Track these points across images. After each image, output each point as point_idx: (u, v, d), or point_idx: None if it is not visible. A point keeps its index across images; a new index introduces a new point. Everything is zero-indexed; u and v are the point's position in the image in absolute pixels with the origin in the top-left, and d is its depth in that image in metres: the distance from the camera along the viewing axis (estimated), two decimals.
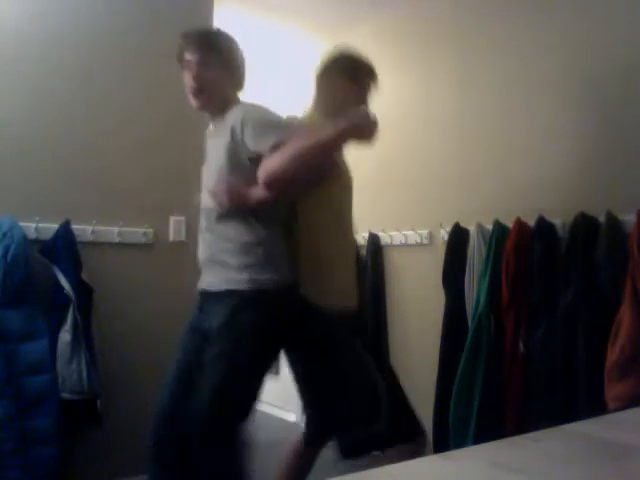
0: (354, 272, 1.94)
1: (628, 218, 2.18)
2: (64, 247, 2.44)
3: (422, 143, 3.25)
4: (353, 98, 2.04)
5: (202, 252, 1.86)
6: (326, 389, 1.91)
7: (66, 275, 2.38)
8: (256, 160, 1.72)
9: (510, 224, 2.54)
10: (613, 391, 2.01)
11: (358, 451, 1.95)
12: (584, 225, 2.28)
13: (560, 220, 2.42)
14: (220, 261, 1.77)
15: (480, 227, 2.72)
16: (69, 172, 2.58)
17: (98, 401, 2.41)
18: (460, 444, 2.47)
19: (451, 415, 2.57)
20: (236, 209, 1.75)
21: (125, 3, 2.76)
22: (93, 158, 2.64)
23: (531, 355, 2.37)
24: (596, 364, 2.09)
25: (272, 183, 1.67)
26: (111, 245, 2.66)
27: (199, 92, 1.89)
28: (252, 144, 1.73)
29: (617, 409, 1.84)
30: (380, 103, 3.39)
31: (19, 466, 2.16)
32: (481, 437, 2.37)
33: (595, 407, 2.01)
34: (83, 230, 2.56)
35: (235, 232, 1.76)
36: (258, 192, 1.72)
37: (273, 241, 1.78)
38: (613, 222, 2.21)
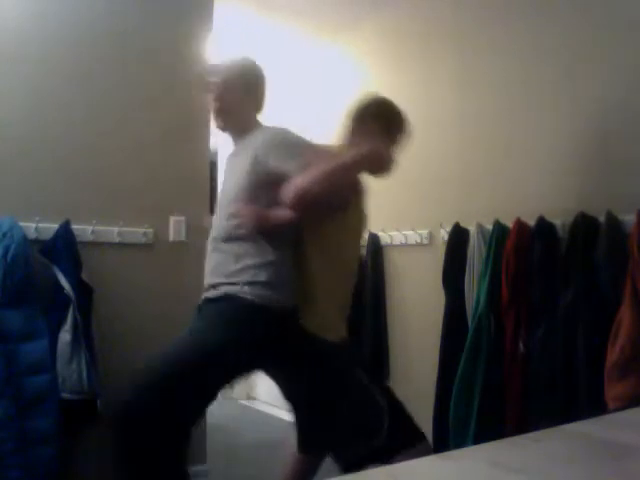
0: (343, 307, 1.92)
1: (628, 218, 2.17)
2: (64, 247, 2.44)
3: (422, 143, 3.24)
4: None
5: (209, 270, 1.87)
6: (318, 410, 1.89)
7: (66, 275, 2.38)
8: (277, 183, 1.73)
9: (510, 224, 2.54)
10: (613, 391, 2.01)
11: (359, 465, 1.95)
12: (584, 225, 2.28)
13: (560, 220, 2.42)
14: (226, 279, 1.78)
15: (480, 227, 2.71)
16: (69, 172, 2.58)
17: (98, 401, 2.41)
18: (460, 444, 2.47)
19: (451, 415, 2.57)
20: (254, 230, 1.76)
21: (125, 3, 2.76)
22: (93, 158, 2.64)
23: (531, 355, 2.37)
24: (596, 364, 2.08)
25: (299, 200, 1.68)
26: (111, 245, 2.66)
27: (221, 113, 1.93)
28: (277, 165, 1.74)
29: (617, 409, 1.84)
30: None
31: (19, 466, 2.16)
32: (481, 437, 2.37)
33: (595, 407, 2.01)
34: (83, 230, 2.56)
35: (245, 253, 1.78)
36: (281, 213, 1.74)
37: (282, 263, 1.79)
38: (613, 222, 2.21)
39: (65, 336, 2.34)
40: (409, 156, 3.33)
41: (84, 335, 2.38)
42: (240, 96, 1.92)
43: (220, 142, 4.06)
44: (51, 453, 2.22)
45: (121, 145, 2.71)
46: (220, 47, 3.39)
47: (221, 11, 3.19)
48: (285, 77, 4.21)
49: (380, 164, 1.80)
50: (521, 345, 2.41)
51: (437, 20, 3.21)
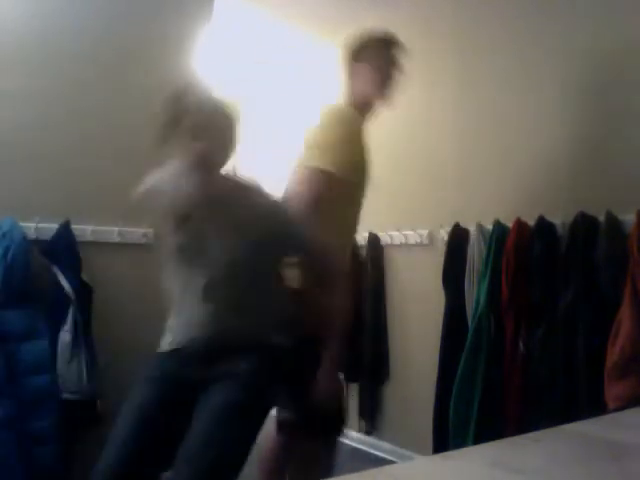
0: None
1: (628, 218, 2.17)
2: (64, 247, 2.44)
3: (422, 143, 3.25)
4: (369, 81, 2.02)
5: None
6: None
7: (66, 275, 2.38)
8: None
9: (510, 224, 2.54)
10: (613, 391, 2.01)
11: None
12: (584, 225, 2.28)
13: (560, 220, 2.42)
14: None
15: (480, 227, 2.71)
16: (69, 172, 2.58)
17: (98, 401, 2.41)
18: (460, 444, 2.47)
19: (451, 415, 2.57)
20: None
21: (126, 3, 2.75)
22: (93, 158, 2.64)
23: (531, 355, 2.37)
24: (596, 364, 2.08)
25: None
26: (111, 245, 2.66)
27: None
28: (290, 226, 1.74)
29: (617, 409, 1.84)
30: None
31: (19, 466, 2.16)
32: (481, 437, 2.37)
33: (595, 407, 2.01)
34: (83, 230, 2.56)
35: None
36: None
37: None
38: (613, 222, 2.21)
39: (65, 336, 2.34)
40: (409, 156, 3.35)
41: (84, 335, 2.38)
42: (227, 143, 1.71)
43: None
44: (51, 453, 2.22)
45: (121, 145, 2.71)
46: (219, 45, 3.39)
47: (221, 8, 3.19)
48: (284, 76, 4.21)
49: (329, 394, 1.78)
50: (521, 345, 2.40)
51: (437, 19, 3.21)
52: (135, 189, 1.74)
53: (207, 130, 1.62)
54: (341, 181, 1.84)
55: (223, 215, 1.67)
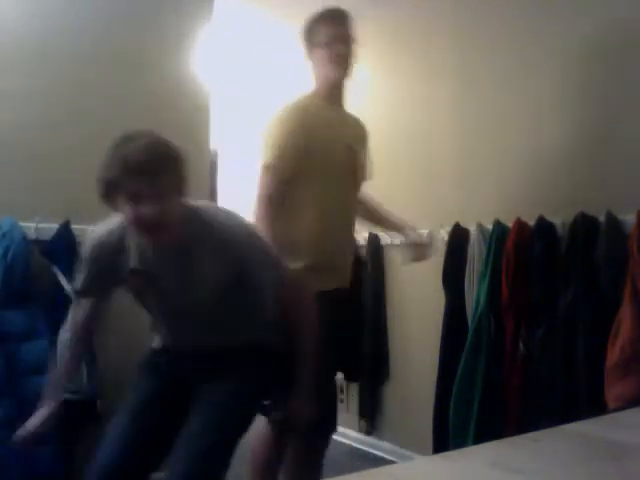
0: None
1: (628, 218, 2.17)
2: (64, 247, 2.44)
3: (422, 143, 3.25)
4: (326, 63, 2.02)
5: None
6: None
7: (66, 275, 2.38)
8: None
9: (510, 224, 2.54)
10: (613, 391, 2.01)
11: None
12: (584, 225, 2.28)
13: (560, 220, 2.42)
14: None
15: (480, 227, 2.71)
16: (69, 172, 2.58)
17: (98, 401, 2.41)
18: (460, 444, 2.47)
19: (451, 415, 2.57)
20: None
21: (127, 4, 2.75)
22: (93, 158, 2.63)
23: (531, 355, 2.37)
24: (596, 364, 2.08)
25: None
26: None
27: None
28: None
29: (617, 409, 1.84)
30: (381, 103, 3.40)
31: (19, 466, 2.16)
32: (481, 437, 2.37)
33: (595, 407, 2.01)
34: (83, 230, 2.56)
35: None
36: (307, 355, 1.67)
37: None
38: (613, 222, 2.21)
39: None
40: (409, 156, 3.35)
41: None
42: (174, 195, 1.55)
43: (220, 142, 4.06)
44: (51, 453, 2.22)
45: None
46: (219, 45, 3.39)
47: (221, 8, 3.19)
48: (282, 76, 4.21)
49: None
50: (521, 345, 2.40)
51: (437, 19, 3.20)
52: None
53: (149, 192, 1.50)
54: (285, 170, 1.85)
55: (180, 273, 1.60)
